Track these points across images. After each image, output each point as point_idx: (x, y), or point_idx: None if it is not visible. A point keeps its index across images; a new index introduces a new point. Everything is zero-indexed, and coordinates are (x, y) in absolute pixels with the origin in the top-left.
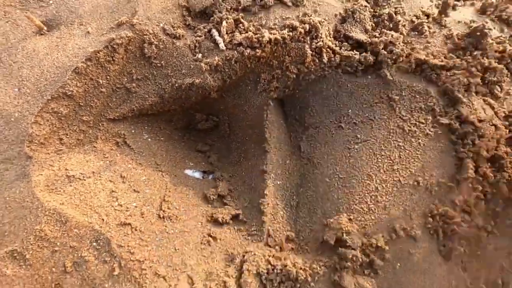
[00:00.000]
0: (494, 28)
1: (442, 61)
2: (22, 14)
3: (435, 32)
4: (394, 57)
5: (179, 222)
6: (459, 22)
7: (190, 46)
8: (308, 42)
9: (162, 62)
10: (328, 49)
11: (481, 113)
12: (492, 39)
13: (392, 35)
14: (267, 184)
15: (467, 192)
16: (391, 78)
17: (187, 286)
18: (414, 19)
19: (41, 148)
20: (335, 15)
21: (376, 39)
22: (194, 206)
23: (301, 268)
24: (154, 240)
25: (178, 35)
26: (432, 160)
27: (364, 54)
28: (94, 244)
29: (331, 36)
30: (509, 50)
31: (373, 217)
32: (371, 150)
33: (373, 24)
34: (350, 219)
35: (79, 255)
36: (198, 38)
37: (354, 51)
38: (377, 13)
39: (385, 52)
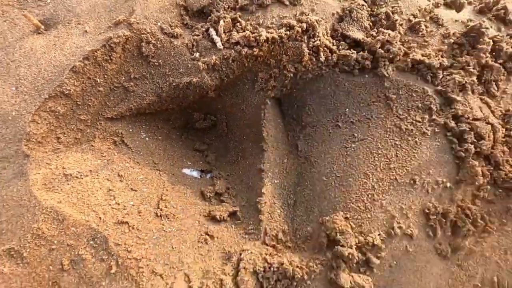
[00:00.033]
0: (491, 27)
1: (438, 60)
2: (20, 13)
3: (432, 31)
4: (391, 56)
5: (176, 221)
6: (456, 21)
7: (188, 45)
8: (306, 41)
9: (160, 61)
10: (325, 48)
11: (477, 112)
12: (489, 38)
13: (389, 34)
14: (265, 183)
15: (465, 191)
16: (388, 77)
17: (184, 284)
18: (411, 18)
19: (39, 147)
20: (333, 14)
21: (373, 38)
22: (191, 204)
23: (297, 266)
24: (151, 239)
25: (175, 34)
26: (429, 159)
27: (361, 53)
28: (91, 242)
29: (329, 35)
30: (506, 49)
31: (369, 216)
32: (368, 149)
33: (371, 23)
34: (346, 218)
35: (76, 253)
36: (195, 37)
37: (351, 50)
38: (374, 12)
39: (382, 51)
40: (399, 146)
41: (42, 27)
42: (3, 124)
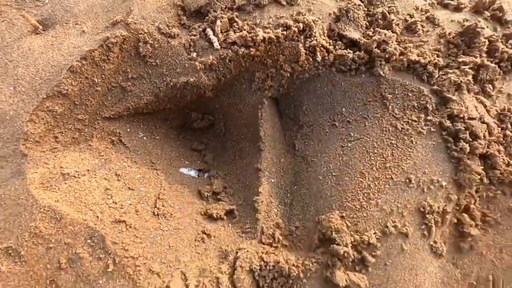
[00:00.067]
0: (487, 27)
1: (434, 59)
2: (18, 13)
3: (429, 31)
4: (387, 56)
5: (173, 220)
6: (452, 21)
7: (185, 45)
8: (302, 41)
9: (157, 61)
10: (322, 48)
11: (473, 111)
12: (484, 38)
13: (385, 34)
14: (262, 182)
15: (460, 190)
16: (385, 77)
17: (180, 283)
18: (407, 18)
19: (36, 146)
20: (329, 14)
21: (370, 38)
22: (189, 203)
23: (293, 265)
24: (148, 237)
25: (173, 34)
26: (424, 158)
27: (357, 52)
28: (89, 241)
29: (325, 35)
30: (502, 48)
31: (365, 214)
32: (364, 148)
33: (367, 23)
34: (342, 216)
35: (74, 251)
36: (193, 37)
37: (348, 50)
38: (371, 12)
39: (379, 51)
40: (395, 145)
41: (40, 27)
42: (0, 123)
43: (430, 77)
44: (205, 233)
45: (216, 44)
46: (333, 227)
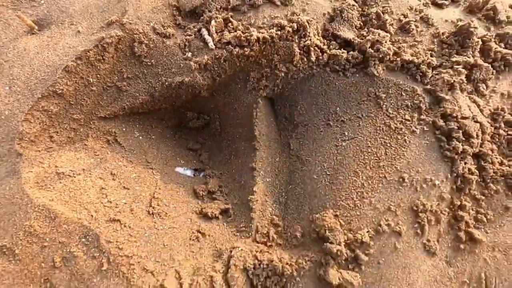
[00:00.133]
0: (480, 26)
1: (428, 59)
2: (14, 13)
3: (422, 31)
4: (381, 56)
5: (168, 219)
6: (446, 21)
7: (180, 45)
8: (296, 41)
9: (152, 61)
10: (316, 48)
11: (466, 110)
12: (478, 38)
13: (379, 34)
14: (257, 181)
15: (453, 189)
16: (378, 76)
17: (174, 281)
18: (401, 18)
19: (31, 146)
20: (324, 14)
21: (364, 38)
22: (184, 203)
23: (287, 263)
24: (143, 236)
25: (168, 34)
26: (418, 157)
27: (351, 52)
28: (83, 239)
29: (319, 35)
30: (495, 48)
31: (358, 213)
32: (358, 147)
33: (361, 23)
34: (336, 215)
35: (68, 250)
36: (188, 37)
37: (342, 49)
38: (365, 12)
39: (372, 51)
40: (388, 145)
41: (36, 27)
42: None
43: (424, 76)
44: (200, 232)
45: (211, 44)
46: (326, 226)
